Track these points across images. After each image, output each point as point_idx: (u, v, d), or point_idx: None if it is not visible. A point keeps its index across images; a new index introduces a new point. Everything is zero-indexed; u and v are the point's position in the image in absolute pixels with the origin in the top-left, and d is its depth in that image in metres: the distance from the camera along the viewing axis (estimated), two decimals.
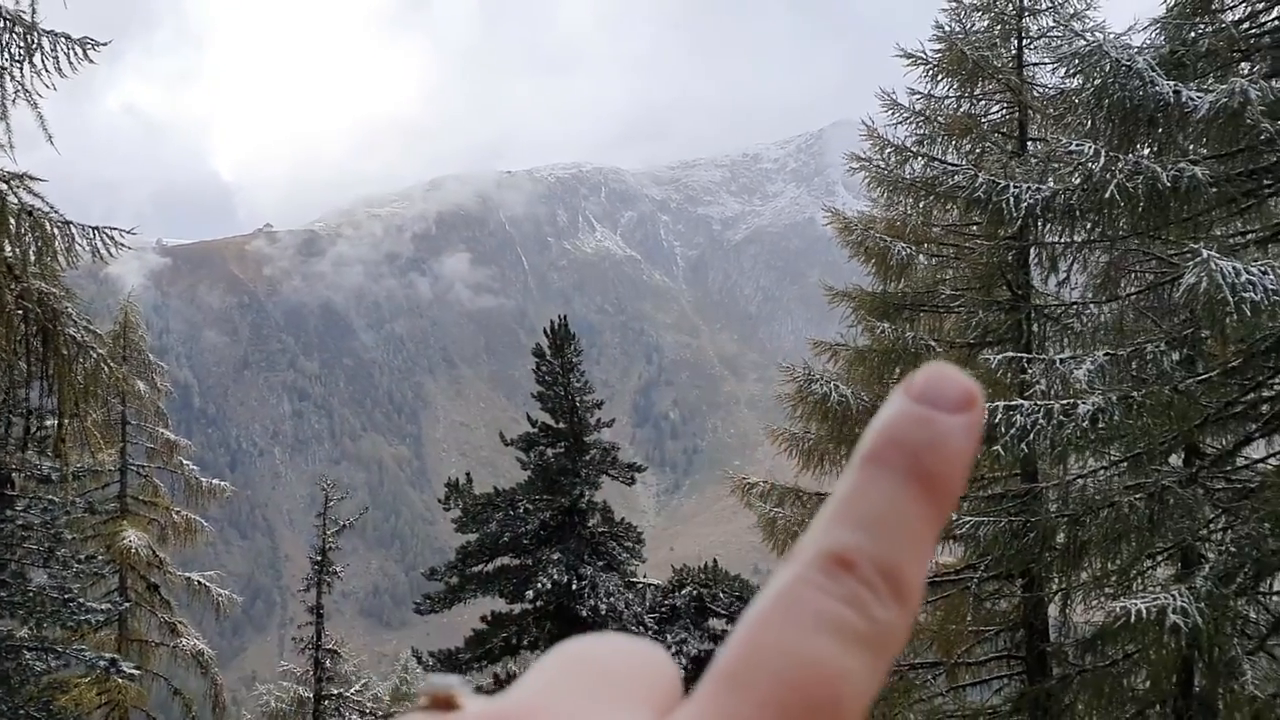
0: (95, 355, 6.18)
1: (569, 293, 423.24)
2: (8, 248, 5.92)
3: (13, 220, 5.85)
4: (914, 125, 15.30)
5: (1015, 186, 13.05)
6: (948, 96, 15.37)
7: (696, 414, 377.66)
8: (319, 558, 20.10)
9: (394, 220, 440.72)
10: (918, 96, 15.35)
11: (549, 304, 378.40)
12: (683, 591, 19.21)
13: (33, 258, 6.09)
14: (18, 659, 13.80)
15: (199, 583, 22.50)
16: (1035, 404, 11.41)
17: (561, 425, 19.19)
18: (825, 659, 0.39)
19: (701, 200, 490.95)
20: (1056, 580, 13.96)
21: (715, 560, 20.28)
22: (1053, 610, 14.52)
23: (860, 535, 0.42)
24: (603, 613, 17.99)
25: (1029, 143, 15.11)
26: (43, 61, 6.28)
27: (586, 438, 19.24)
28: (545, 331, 19.75)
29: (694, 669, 18.52)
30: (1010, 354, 12.89)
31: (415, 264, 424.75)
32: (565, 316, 20.89)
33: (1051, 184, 13.11)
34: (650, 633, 18.50)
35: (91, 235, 6.69)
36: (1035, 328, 14.28)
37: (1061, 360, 12.49)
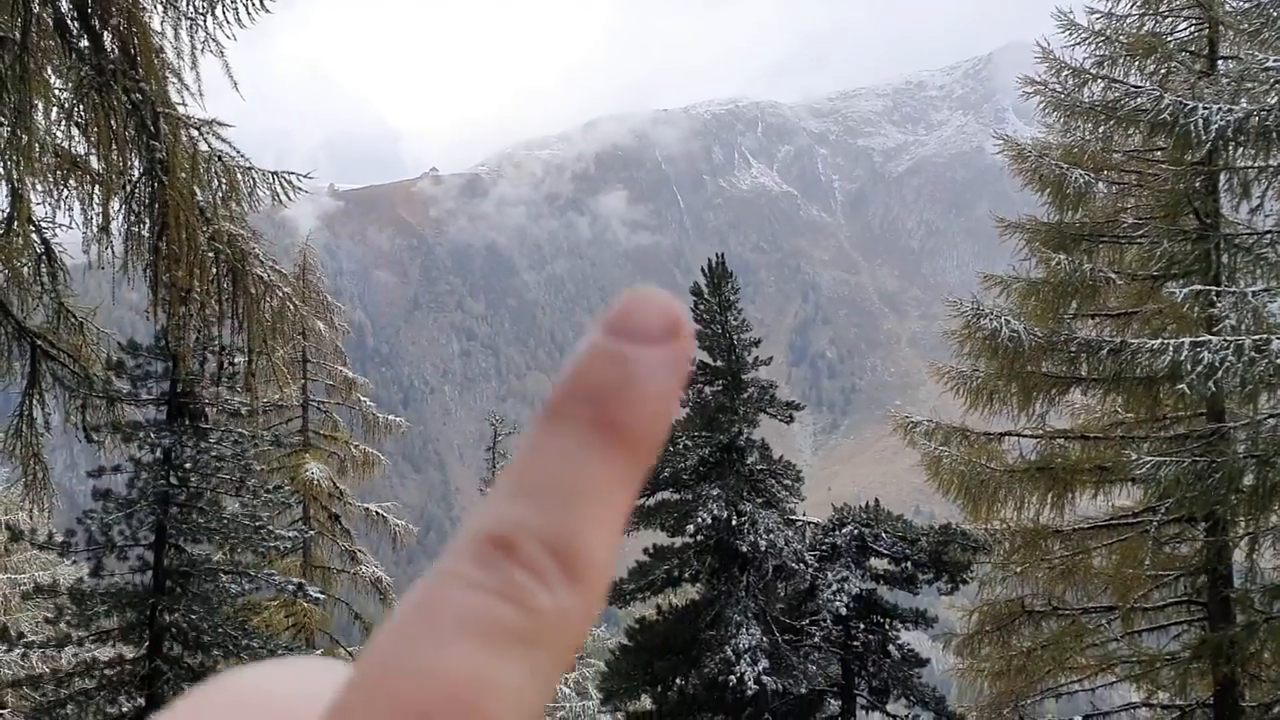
0: (282, 293, 6.51)
1: (724, 231, 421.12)
2: (199, 192, 6.26)
3: (203, 165, 6.18)
4: (1093, 46, 14.48)
5: (1204, 108, 12.29)
6: (1130, 14, 14.47)
7: (855, 352, 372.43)
8: (488, 490, 20.78)
9: (554, 161, 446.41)
10: (1097, 15, 14.51)
11: (704, 242, 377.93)
12: (844, 530, 19.07)
13: (220, 201, 6.43)
14: (215, 581, 14.81)
15: (376, 513, 23.63)
16: (1224, 340, 10.81)
17: (719, 363, 19.18)
18: (465, 671, 0.32)
19: (862, 132, 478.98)
20: (1243, 524, 13.31)
21: (876, 500, 20.04)
22: (1238, 555, 13.86)
23: (524, 507, 0.35)
24: (762, 548, 18.05)
25: (1219, 61, 14.12)
26: (223, 13, 6.55)
27: (744, 375, 19.18)
28: (702, 270, 19.69)
29: (855, 606, 18.46)
30: (1198, 287, 12.20)
31: (574, 204, 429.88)
32: (723, 254, 20.77)
33: (1245, 104, 12.28)
34: (811, 570, 18.50)
35: (271, 180, 6.97)
36: (1225, 259, 13.44)
37: (1254, 293, 11.78)
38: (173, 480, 14.51)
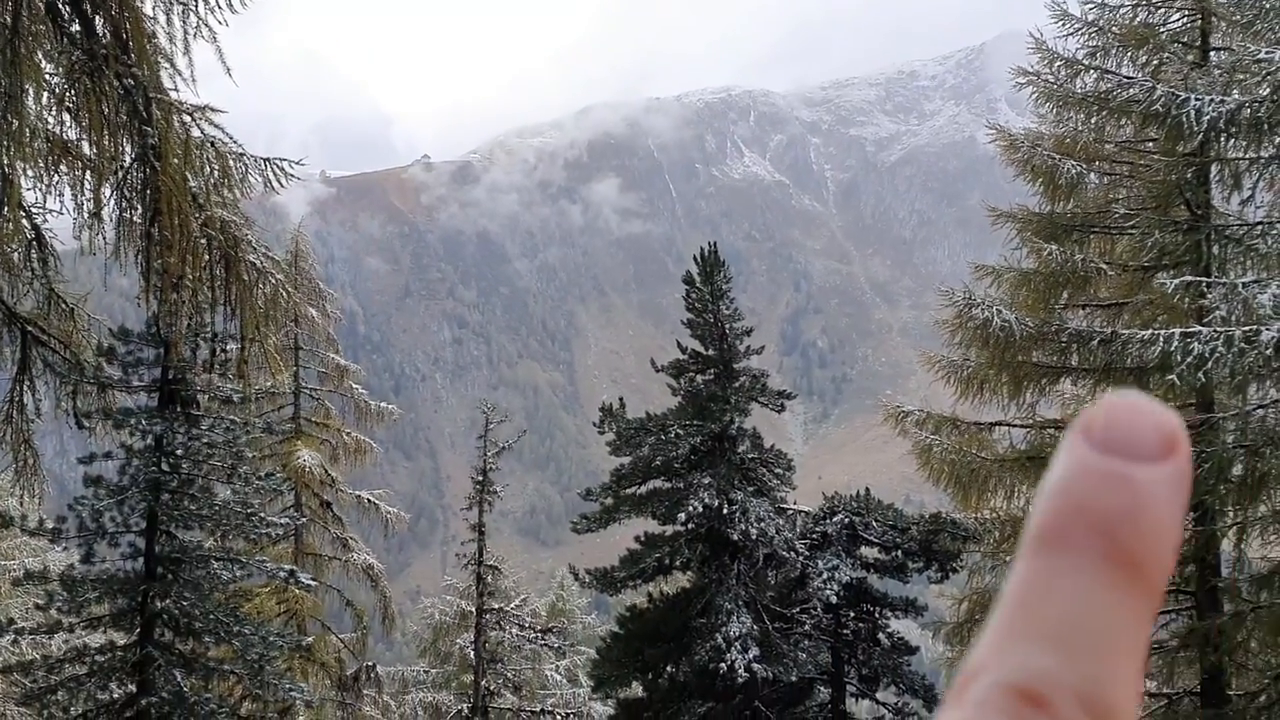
0: (274, 280, 6.50)
1: (717, 220, 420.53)
2: (191, 178, 6.24)
3: (196, 151, 6.16)
4: (1086, 36, 14.47)
5: (1196, 99, 12.30)
6: (1123, 5, 14.47)
7: (846, 342, 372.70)
8: (480, 478, 20.79)
9: (546, 148, 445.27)
10: (1090, 6, 14.50)
11: (697, 232, 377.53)
12: (834, 519, 19.14)
13: (212, 187, 6.41)
14: (207, 568, 14.81)
15: (368, 500, 23.62)
16: (1214, 330, 10.86)
17: (711, 352, 19.19)
18: None
19: (854, 121, 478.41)
20: (1231, 514, 13.37)
21: (867, 489, 20.10)
22: (1226, 545, 13.93)
23: (1051, 657, 0.32)
24: (753, 537, 18.10)
25: (1212, 53, 14.13)
26: None
27: (736, 365, 19.20)
28: (695, 259, 19.69)
29: (846, 595, 18.52)
30: (1188, 278, 12.23)
31: (567, 191, 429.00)
32: (715, 243, 20.78)
33: (1236, 96, 12.31)
34: (801, 558, 18.57)
35: (263, 166, 6.95)
36: (1216, 250, 13.47)
37: (1244, 284, 11.82)
38: (164, 467, 14.48)
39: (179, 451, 14.56)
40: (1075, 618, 0.32)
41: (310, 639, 19.80)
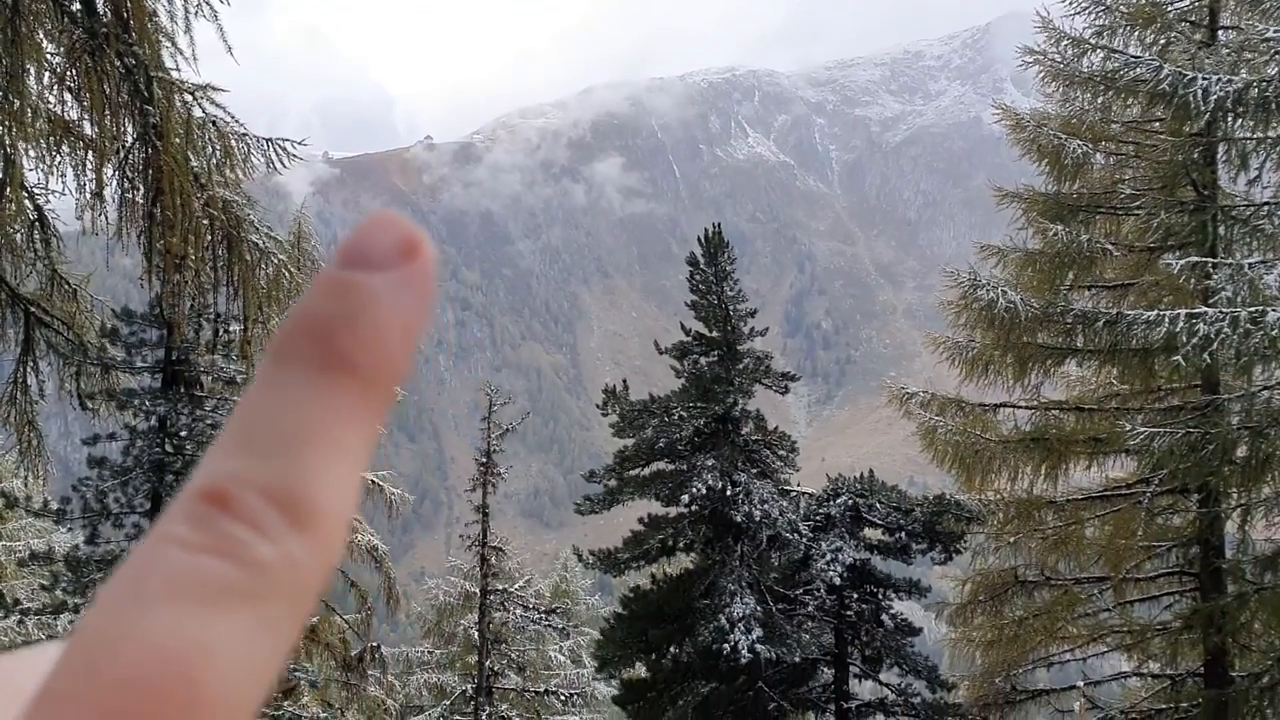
0: (277, 261, 6.49)
1: (720, 201, 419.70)
2: (193, 158, 6.22)
3: (197, 130, 6.13)
4: (1093, 15, 14.38)
5: (1203, 78, 12.23)
6: None
7: (850, 323, 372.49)
8: (484, 459, 20.77)
9: (549, 128, 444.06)
10: None
11: (700, 213, 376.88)
12: (838, 500, 19.14)
13: (214, 167, 6.38)
14: None
15: (372, 482, 23.63)
16: (1220, 311, 10.83)
17: (715, 334, 19.16)
18: (175, 635, 0.29)
19: (859, 101, 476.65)
20: (1236, 495, 13.36)
21: (870, 471, 20.09)
22: (1230, 526, 13.93)
23: (244, 459, 0.32)
24: (756, 519, 18.11)
25: (1220, 31, 14.03)
26: None
27: (740, 346, 19.17)
28: (699, 240, 19.64)
29: (849, 576, 18.55)
30: (1194, 259, 12.19)
31: (570, 171, 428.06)
32: (719, 224, 20.71)
33: (1244, 75, 12.23)
34: (805, 540, 18.58)
35: (265, 146, 6.90)
36: (1222, 230, 13.41)
37: (1250, 265, 11.78)
38: (168, 448, 14.50)
39: (183, 433, 14.58)
40: (275, 420, 0.33)
41: (315, 620, 19.87)
